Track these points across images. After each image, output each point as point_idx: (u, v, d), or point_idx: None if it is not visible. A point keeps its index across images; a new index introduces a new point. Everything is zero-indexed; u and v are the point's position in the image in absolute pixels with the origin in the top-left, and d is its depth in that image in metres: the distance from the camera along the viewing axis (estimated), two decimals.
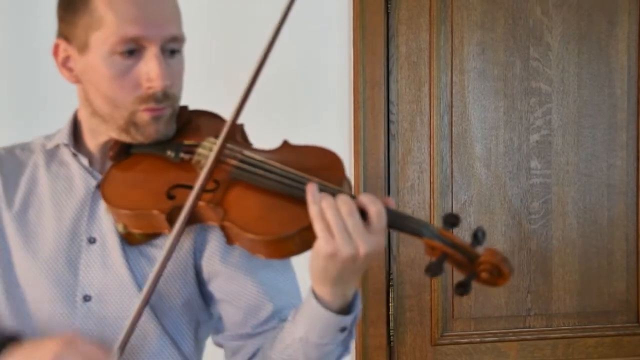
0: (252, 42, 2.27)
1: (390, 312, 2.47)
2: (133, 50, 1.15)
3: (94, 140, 1.26)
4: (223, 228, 1.12)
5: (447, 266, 1.04)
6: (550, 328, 2.56)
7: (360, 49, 2.39)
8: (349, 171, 2.39)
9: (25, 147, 1.32)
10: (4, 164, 1.30)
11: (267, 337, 1.21)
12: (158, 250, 1.22)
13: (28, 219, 1.25)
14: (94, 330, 1.20)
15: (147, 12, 1.15)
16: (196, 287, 1.25)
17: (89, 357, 1.10)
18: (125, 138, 1.20)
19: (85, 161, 1.26)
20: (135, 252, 1.22)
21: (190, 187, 1.13)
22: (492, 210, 2.51)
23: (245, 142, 1.25)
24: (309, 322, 1.12)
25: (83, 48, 1.17)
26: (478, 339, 2.53)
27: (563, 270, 2.55)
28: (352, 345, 2.41)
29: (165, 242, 1.12)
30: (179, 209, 1.12)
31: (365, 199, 1.05)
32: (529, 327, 2.55)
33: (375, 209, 1.04)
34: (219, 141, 1.15)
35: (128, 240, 1.21)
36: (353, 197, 1.06)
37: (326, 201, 1.04)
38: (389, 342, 2.48)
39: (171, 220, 1.13)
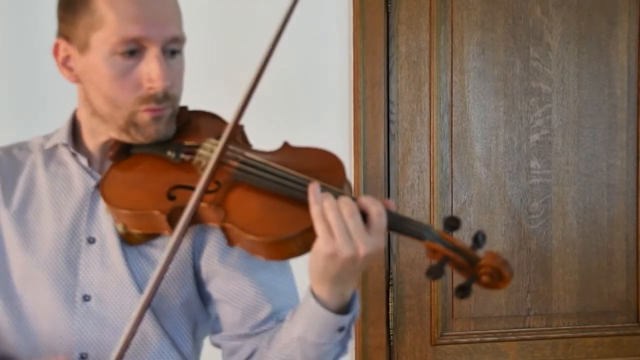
0: (252, 42, 2.28)
1: (390, 312, 2.47)
2: (134, 50, 1.15)
3: (93, 140, 1.26)
4: (224, 229, 1.12)
5: (448, 268, 1.05)
6: (550, 328, 2.56)
7: (360, 48, 2.39)
8: (349, 171, 2.39)
9: (23, 147, 1.32)
10: (2, 163, 1.29)
11: (265, 337, 1.20)
12: (158, 250, 1.22)
13: (27, 218, 1.25)
14: (94, 330, 1.20)
15: (148, 13, 1.14)
16: (195, 288, 1.25)
17: None
18: (125, 138, 1.20)
19: (84, 161, 1.26)
20: (134, 252, 1.22)
21: (191, 188, 1.13)
22: (492, 210, 2.51)
23: (245, 143, 1.25)
24: (307, 322, 1.12)
25: (83, 48, 1.17)
26: (478, 339, 2.53)
27: (563, 270, 2.55)
28: (352, 345, 2.43)
29: (167, 244, 1.12)
30: (179, 209, 1.12)
31: (366, 201, 1.05)
32: (529, 327, 2.55)
33: (376, 210, 1.04)
34: (221, 142, 1.14)
35: (127, 240, 1.21)
36: (354, 199, 1.06)
37: (328, 202, 1.04)
38: (388, 341, 2.48)
39: (172, 221, 1.13)
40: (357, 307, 1.15)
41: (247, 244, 1.10)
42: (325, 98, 2.41)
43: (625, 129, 2.56)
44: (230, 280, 1.22)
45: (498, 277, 1.02)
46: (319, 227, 1.04)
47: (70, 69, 1.21)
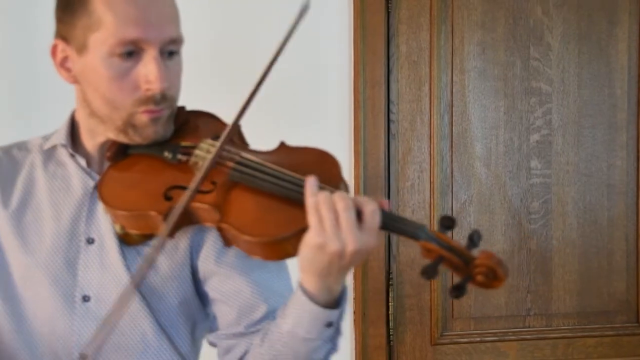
0: (251, 42, 2.29)
1: (390, 312, 2.47)
2: (132, 52, 1.15)
3: (91, 141, 1.26)
4: (220, 230, 1.12)
5: (443, 267, 1.05)
6: (550, 328, 2.56)
7: (361, 48, 2.39)
8: (349, 171, 2.39)
9: (22, 147, 1.32)
10: (2, 164, 1.30)
11: (259, 335, 1.21)
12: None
13: (25, 219, 1.25)
14: (93, 331, 1.20)
15: (146, 14, 1.14)
16: (192, 287, 1.25)
17: None
18: (122, 139, 1.20)
19: (82, 162, 1.26)
20: (133, 252, 1.22)
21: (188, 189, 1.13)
22: (492, 210, 2.51)
23: (242, 143, 1.25)
24: (296, 315, 1.12)
25: (81, 49, 1.17)
26: (478, 339, 2.53)
27: (563, 270, 2.55)
28: (352, 345, 2.43)
29: (155, 241, 1.12)
30: None
31: (361, 199, 1.06)
32: (529, 327, 2.55)
33: (369, 208, 1.05)
34: (218, 144, 1.15)
35: (125, 240, 1.22)
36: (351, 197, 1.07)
37: (323, 195, 1.05)
38: (388, 341, 2.48)
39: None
40: (346, 302, 1.15)
41: (243, 244, 1.10)
42: (325, 98, 2.41)
43: (626, 129, 2.55)
44: (226, 279, 1.23)
45: (493, 277, 1.02)
46: (311, 218, 1.04)
47: (68, 70, 1.22)
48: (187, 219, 1.14)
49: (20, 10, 2.25)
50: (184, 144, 1.21)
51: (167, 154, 1.20)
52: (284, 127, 2.31)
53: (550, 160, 2.53)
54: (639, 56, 2.54)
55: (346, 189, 1.14)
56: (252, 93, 1.14)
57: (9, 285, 1.23)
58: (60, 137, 1.28)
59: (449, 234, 1.06)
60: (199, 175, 1.12)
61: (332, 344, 1.16)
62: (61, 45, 1.21)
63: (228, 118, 1.19)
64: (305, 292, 1.11)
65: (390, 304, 2.47)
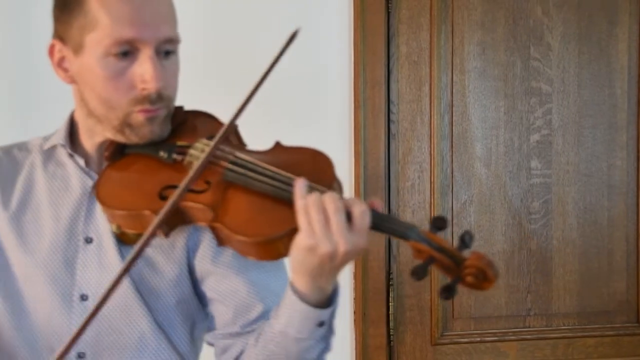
0: (249, 42, 2.29)
1: (390, 312, 2.47)
2: (127, 51, 1.15)
3: (90, 141, 1.26)
4: (213, 229, 1.12)
5: (434, 268, 1.05)
6: (550, 328, 2.56)
7: (361, 49, 2.39)
8: (349, 171, 2.39)
9: (23, 147, 1.33)
10: (2, 164, 1.30)
11: (254, 335, 1.21)
12: (153, 250, 1.22)
13: (25, 219, 1.26)
14: (91, 329, 1.20)
15: (142, 14, 1.14)
16: (190, 287, 1.25)
17: None
18: (120, 138, 1.21)
19: (81, 162, 1.26)
20: (130, 252, 1.22)
21: None
22: (492, 210, 2.51)
23: (239, 142, 1.25)
24: (288, 314, 1.12)
25: (78, 49, 1.17)
26: (478, 339, 2.53)
27: (563, 270, 2.55)
28: (352, 345, 2.43)
29: (149, 225, 1.11)
30: None
31: (351, 200, 1.06)
32: (529, 327, 2.55)
33: (359, 209, 1.05)
34: (213, 143, 1.15)
35: (123, 240, 1.22)
36: (341, 198, 1.06)
37: (313, 196, 1.05)
38: (389, 341, 2.48)
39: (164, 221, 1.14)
40: (338, 301, 1.15)
41: (236, 244, 1.10)
42: (325, 98, 2.41)
43: (626, 129, 2.55)
44: (223, 279, 1.23)
45: (483, 278, 1.01)
46: (301, 220, 1.04)
47: (65, 70, 1.22)
48: (181, 219, 1.14)
49: (20, 10, 2.26)
50: (179, 143, 1.21)
51: (162, 154, 1.20)
52: (284, 127, 2.31)
53: (551, 160, 2.53)
54: (639, 56, 2.54)
55: (340, 188, 1.14)
56: (250, 95, 1.15)
57: (10, 283, 1.24)
58: (60, 137, 1.28)
59: (442, 234, 1.06)
60: (190, 174, 1.12)
61: (325, 344, 1.16)
62: (58, 45, 1.21)
63: (225, 119, 1.20)
64: (295, 291, 1.11)
65: (390, 304, 2.47)
